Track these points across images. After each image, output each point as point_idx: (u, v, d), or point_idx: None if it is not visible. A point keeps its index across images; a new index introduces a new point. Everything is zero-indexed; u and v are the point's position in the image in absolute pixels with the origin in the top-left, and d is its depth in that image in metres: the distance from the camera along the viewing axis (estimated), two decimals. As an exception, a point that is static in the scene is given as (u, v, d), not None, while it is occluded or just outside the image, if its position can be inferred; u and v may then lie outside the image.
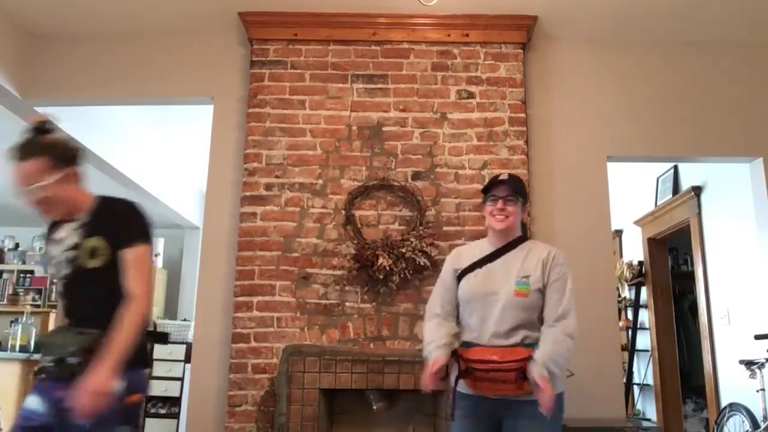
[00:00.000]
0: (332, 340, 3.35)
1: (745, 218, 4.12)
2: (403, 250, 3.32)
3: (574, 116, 3.78)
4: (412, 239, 3.35)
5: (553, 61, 3.85)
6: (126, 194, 5.92)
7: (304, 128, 3.61)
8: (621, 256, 6.35)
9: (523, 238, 2.31)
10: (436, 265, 3.38)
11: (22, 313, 4.63)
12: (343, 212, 3.48)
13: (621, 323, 5.96)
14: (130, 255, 1.99)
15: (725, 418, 4.10)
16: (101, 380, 1.78)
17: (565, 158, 3.71)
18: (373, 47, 3.70)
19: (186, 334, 5.92)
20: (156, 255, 6.94)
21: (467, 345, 2.18)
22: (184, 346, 5.74)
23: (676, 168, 5.14)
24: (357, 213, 3.49)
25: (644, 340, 5.86)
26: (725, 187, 4.48)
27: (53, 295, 6.82)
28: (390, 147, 3.58)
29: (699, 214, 4.80)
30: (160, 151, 5.46)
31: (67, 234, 2.03)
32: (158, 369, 6.41)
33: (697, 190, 4.79)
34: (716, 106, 3.80)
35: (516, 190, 2.25)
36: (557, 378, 2.08)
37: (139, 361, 1.97)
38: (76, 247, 2.00)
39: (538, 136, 3.73)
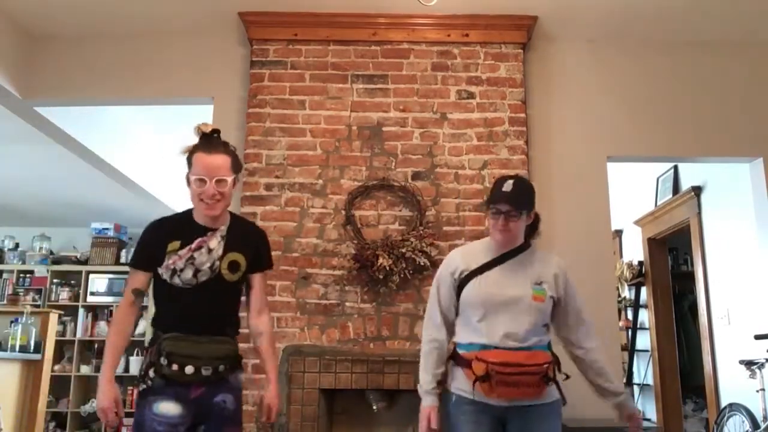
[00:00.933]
0: (332, 340, 3.35)
1: (745, 218, 4.12)
2: (403, 250, 3.32)
3: (574, 116, 3.78)
4: (412, 239, 3.35)
5: (553, 61, 3.85)
6: (126, 194, 5.88)
7: (304, 128, 3.61)
8: (621, 256, 6.35)
9: (528, 245, 2.26)
10: (436, 265, 3.36)
11: (22, 313, 4.62)
12: (343, 212, 3.48)
13: (621, 323, 5.96)
14: (264, 278, 2.32)
15: (725, 418, 4.10)
16: (277, 388, 2.24)
17: (565, 158, 3.71)
18: (373, 47, 3.70)
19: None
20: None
21: (480, 347, 2.11)
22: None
23: (676, 168, 5.14)
24: (357, 213, 3.49)
25: (644, 340, 5.86)
26: (725, 187, 4.48)
27: (53, 295, 6.84)
28: (390, 147, 3.58)
29: (699, 214, 4.80)
30: (160, 151, 5.46)
31: (217, 244, 2.15)
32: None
33: (697, 190, 4.79)
34: (716, 106, 3.80)
35: (520, 204, 2.15)
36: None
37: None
38: (221, 258, 2.15)
39: (538, 136, 3.73)
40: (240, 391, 2.21)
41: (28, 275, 6.94)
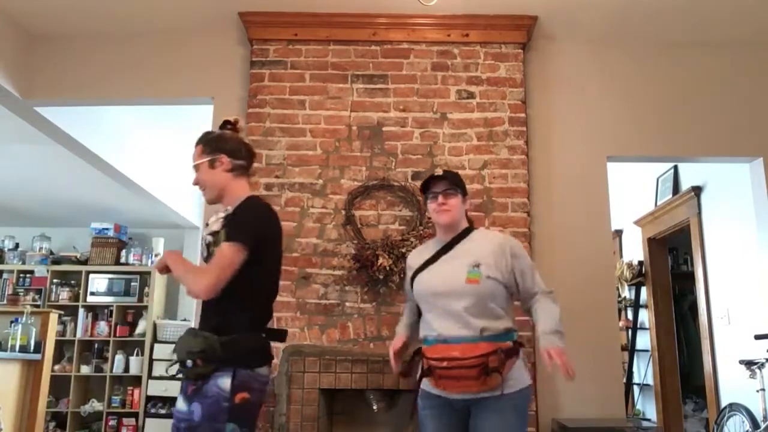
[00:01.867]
0: (332, 340, 3.35)
1: (745, 218, 4.12)
2: (403, 250, 3.32)
3: (574, 116, 3.78)
4: (412, 239, 3.35)
5: (553, 61, 3.85)
6: (126, 194, 5.87)
7: (304, 128, 3.61)
8: (621, 256, 6.35)
9: (470, 229, 2.32)
10: (436, 265, 3.38)
11: (22, 313, 4.61)
12: (343, 212, 3.48)
13: (621, 323, 5.97)
14: (223, 248, 2.01)
15: (725, 418, 4.10)
16: (166, 254, 2.11)
17: (565, 158, 3.71)
18: (373, 47, 3.70)
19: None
20: (156, 255, 6.94)
21: (429, 342, 2.18)
22: (184, 346, 5.73)
23: (676, 168, 5.14)
24: (357, 213, 3.49)
25: (644, 340, 5.86)
26: (725, 187, 4.48)
27: (53, 295, 6.84)
28: (390, 147, 3.58)
29: (699, 214, 4.80)
30: (160, 151, 5.46)
31: (214, 221, 2.16)
32: (159, 369, 6.43)
33: (697, 190, 4.79)
34: (716, 106, 3.80)
35: (454, 182, 2.26)
36: (564, 336, 2.12)
37: (253, 359, 2.02)
38: (213, 234, 2.11)
39: (538, 136, 3.73)
40: (216, 399, 1.94)
41: (28, 275, 6.93)
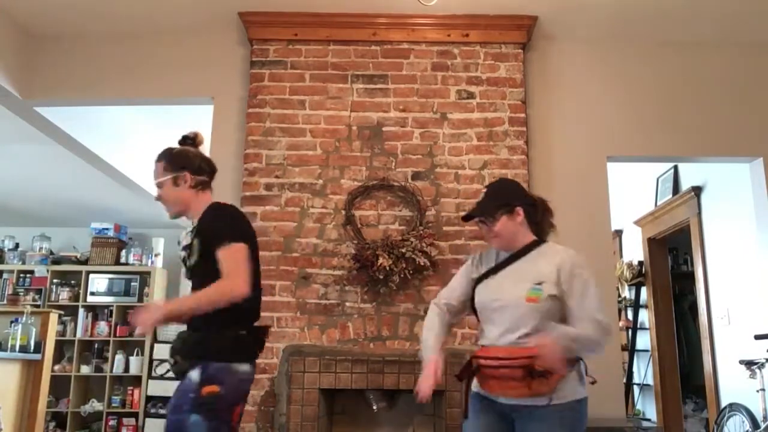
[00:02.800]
0: (332, 340, 3.35)
1: (745, 218, 4.12)
2: (403, 250, 3.32)
3: (574, 116, 3.78)
4: (412, 239, 3.35)
5: (553, 61, 3.85)
6: (126, 194, 5.86)
7: (304, 128, 3.61)
8: (621, 256, 6.35)
9: (538, 242, 2.24)
10: (435, 265, 3.38)
11: (22, 313, 4.61)
12: (343, 212, 3.48)
13: (621, 323, 5.96)
14: (223, 252, 2.05)
15: (725, 418, 4.10)
16: (153, 310, 1.99)
17: (565, 158, 3.71)
18: (373, 47, 3.70)
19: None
20: (156, 255, 6.95)
21: (482, 346, 2.14)
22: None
23: (676, 168, 5.14)
24: (357, 213, 3.49)
25: (644, 340, 5.86)
26: (725, 187, 4.48)
27: (53, 295, 6.84)
28: (390, 147, 3.58)
29: (699, 214, 4.80)
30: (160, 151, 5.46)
31: (184, 236, 2.21)
32: (159, 369, 6.43)
33: (697, 190, 4.79)
34: (716, 106, 3.80)
35: (484, 210, 2.18)
36: (568, 351, 1.99)
37: (224, 354, 2.05)
38: (185, 248, 2.18)
39: (538, 136, 3.73)
40: (184, 390, 2.01)
41: (28, 275, 6.93)
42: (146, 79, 3.83)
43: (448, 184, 3.53)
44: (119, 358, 6.58)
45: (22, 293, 6.50)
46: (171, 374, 2.21)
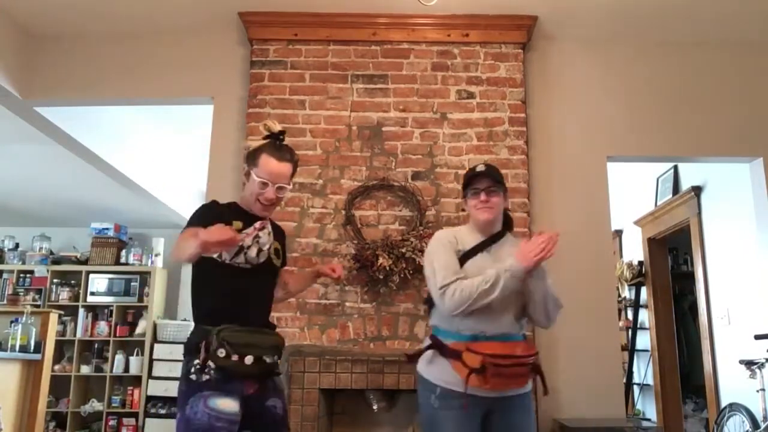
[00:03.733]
0: (332, 340, 3.35)
1: (745, 218, 4.12)
2: (403, 250, 3.32)
3: (574, 116, 3.78)
4: (412, 239, 3.35)
5: (553, 61, 3.85)
6: (126, 194, 5.87)
7: (304, 128, 3.61)
8: (621, 256, 6.35)
9: (504, 232, 2.27)
10: (436, 265, 3.37)
11: (22, 313, 4.61)
12: (343, 212, 3.48)
13: (621, 323, 5.97)
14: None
15: (725, 418, 4.10)
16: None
17: (565, 158, 3.71)
18: (373, 47, 3.70)
19: (186, 334, 5.93)
20: (156, 255, 6.95)
21: (470, 338, 2.06)
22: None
23: (676, 168, 5.14)
24: (357, 213, 3.49)
25: (644, 340, 5.86)
26: (725, 187, 4.48)
27: (53, 295, 6.84)
28: (390, 147, 3.58)
29: (699, 214, 4.80)
30: (160, 151, 5.46)
31: (267, 235, 2.23)
32: (159, 369, 6.43)
33: (697, 190, 4.79)
34: (716, 106, 3.80)
35: (497, 180, 2.20)
36: (540, 277, 2.11)
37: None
38: (275, 250, 2.27)
39: (538, 136, 3.73)
40: (285, 395, 2.23)
41: (28, 275, 6.93)
42: (146, 79, 3.83)
43: (448, 184, 3.53)
44: (119, 358, 6.59)
45: (22, 293, 6.51)
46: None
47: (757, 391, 3.73)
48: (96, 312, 6.81)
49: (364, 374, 3.27)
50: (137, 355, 6.58)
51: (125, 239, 7.15)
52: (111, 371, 6.56)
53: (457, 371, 2.04)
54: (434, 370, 2.12)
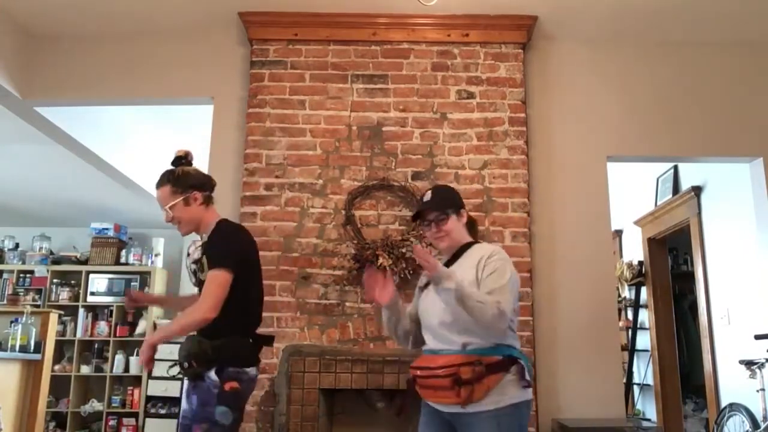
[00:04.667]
0: (332, 340, 3.35)
1: (745, 218, 4.12)
2: (403, 250, 3.32)
3: (574, 116, 3.78)
4: (412, 239, 3.35)
5: (553, 61, 3.85)
6: (126, 194, 5.87)
7: (304, 128, 3.61)
8: (621, 256, 6.35)
9: (468, 245, 2.24)
10: (436, 265, 3.37)
11: (22, 313, 4.61)
12: (343, 212, 3.48)
13: (621, 323, 5.97)
14: (210, 277, 2.25)
15: (725, 418, 4.10)
16: (146, 349, 2.23)
17: (565, 158, 3.71)
18: (373, 47, 3.70)
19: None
20: (156, 255, 6.94)
21: (422, 352, 2.22)
22: (184, 346, 5.74)
23: (676, 168, 5.14)
24: (357, 213, 3.49)
25: (644, 340, 5.86)
26: (725, 187, 4.48)
27: (53, 295, 6.83)
28: (390, 147, 3.58)
29: (699, 214, 4.80)
30: (160, 151, 5.46)
31: (194, 250, 2.40)
32: (159, 369, 6.42)
33: (697, 190, 4.79)
34: (716, 106, 3.80)
35: (443, 206, 2.21)
36: (453, 290, 1.94)
37: (237, 359, 2.27)
38: (196, 262, 2.37)
39: (538, 136, 3.73)
40: (207, 387, 2.21)
41: (28, 275, 6.93)
42: (146, 79, 3.83)
43: (449, 184, 3.52)
44: (119, 358, 6.58)
45: (22, 293, 6.50)
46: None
47: (757, 391, 3.73)
48: (96, 312, 6.81)
49: (364, 374, 3.27)
50: (137, 355, 6.56)
51: (125, 239, 7.14)
52: (111, 371, 6.55)
53: None
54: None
